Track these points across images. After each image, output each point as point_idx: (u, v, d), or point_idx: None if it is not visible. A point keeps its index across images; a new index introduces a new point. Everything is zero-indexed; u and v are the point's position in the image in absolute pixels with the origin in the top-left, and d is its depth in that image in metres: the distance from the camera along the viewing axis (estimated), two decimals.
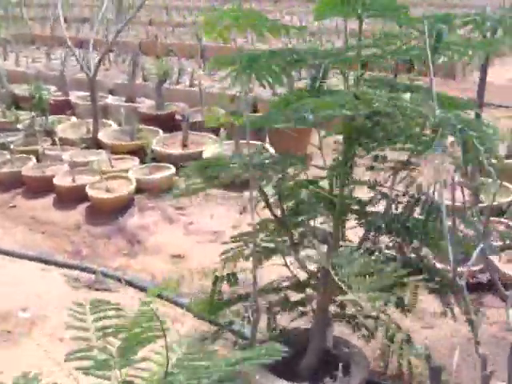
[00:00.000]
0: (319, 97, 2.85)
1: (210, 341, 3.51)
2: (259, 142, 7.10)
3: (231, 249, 3.75)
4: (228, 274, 3.63)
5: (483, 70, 4.98)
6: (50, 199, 6.78)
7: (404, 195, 3.06)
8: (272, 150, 6.84)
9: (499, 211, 5.41)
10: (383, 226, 3.05)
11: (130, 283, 5.41)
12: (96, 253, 5.96)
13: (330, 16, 2.89)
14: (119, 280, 5.43)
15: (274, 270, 3.91)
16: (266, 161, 3.37)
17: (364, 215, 3.17)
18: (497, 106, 8.86)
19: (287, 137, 7.19)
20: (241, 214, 6.40)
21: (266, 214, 3.70)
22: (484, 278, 4.54)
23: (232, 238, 3.67)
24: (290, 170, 3.37)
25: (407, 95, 2.59)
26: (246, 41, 11.69)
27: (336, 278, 2.76)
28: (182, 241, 6.04)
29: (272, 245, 3.72)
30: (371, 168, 3.10)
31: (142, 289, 5.33)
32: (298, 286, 3.51)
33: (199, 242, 6.00)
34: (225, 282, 3.65)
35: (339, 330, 3.85)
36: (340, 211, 3.17)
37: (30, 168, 7.06)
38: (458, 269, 2.45)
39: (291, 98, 3.10)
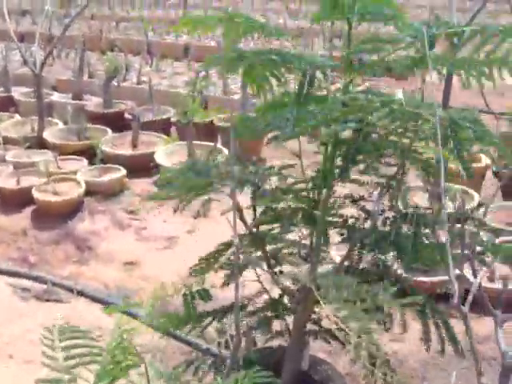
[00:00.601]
0: (304, 104, 2.64)
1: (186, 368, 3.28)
2: (211, 143, 6.90)
3: (201, 263, 3.51)
4: (198, 290, 3.40)
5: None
6: None
7: (390, 210, 2.88)
8: (225, 152, 6.65)
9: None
10: (369, 242, 2.87)
11: (81, 293, 5.15)
12: (44, 260, 5.66)
13: (329, 19, 2.71)
14: (71, 290, 5.15)
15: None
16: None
17: (349, 231, 2.99)
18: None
19: (240, 139, 7.04)
20: (195, 218, 6.13)
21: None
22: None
23: (201, 258, 3.44)
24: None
25: (399, 96, 2.41)
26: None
27: (322, 302, 2.58)
28: (135, 247, 5.78)
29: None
30: (355, 182, 2.92)
31: (94, 299, 5.08)
32: (272, 304, 3.30)
33: (153, 249, 5.76)
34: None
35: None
36: (322, 226, 2.98)
37: None
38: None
39: (276, 103, 2.89)
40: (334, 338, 3.48)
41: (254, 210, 3.25)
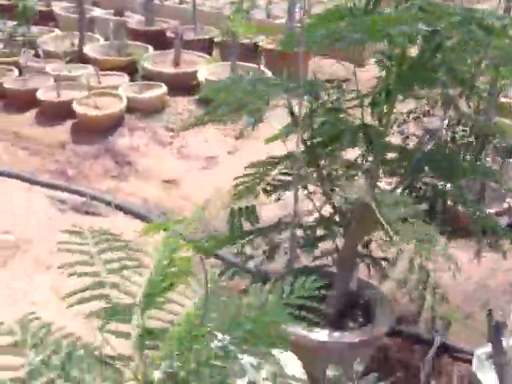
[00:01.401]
0: (371, 12, 2.50)
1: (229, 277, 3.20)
2: (254, 65, 6.76)
3: (245, 181, 3.41)
4: (247, 207, 3.31)
5: None
6: (32, 114, 6.35)
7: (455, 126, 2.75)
8: (269, 73, 6.50)
9: None
10: (426, 164, 2.75)
11: (120, 208, 5.08)
12: (82, 174, 5.60)
13: None
14: (109, 204, 5.09)
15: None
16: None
17: (405, 152, 2.86)
18: None
19: (284, 60, 6.86)
20: (237, 139, 6.06)
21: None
22: (504, 221, 4.28)
23: (248, 166, 3.32)
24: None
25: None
26: None
27: (381, 219, 2.48)
28: (175, 165, 5.70)
29: (288, 178, 3.41)
30: (418, 97, 2.78)
31: (133, 214, 5.01)
32: (323, 222, 3.20)
33: (192, 168, 5.67)
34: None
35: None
36: (379, 145, 2.85)
37: (11, 80, 6.61)
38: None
39: (330, 16, 2.74)
40: (378, 265, 3.40)
41: (311, 125, 3.13)
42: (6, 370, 2.19)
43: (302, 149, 3.14)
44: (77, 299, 2.41)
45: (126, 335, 2.24)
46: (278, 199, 3.37)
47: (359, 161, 3.20)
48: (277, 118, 3.50)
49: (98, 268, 2.49)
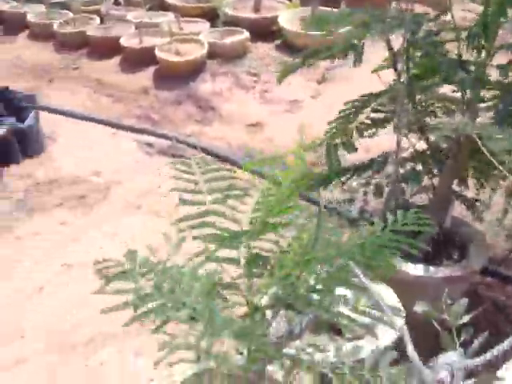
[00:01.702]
0: None
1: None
2: (335, 9, 6.65)
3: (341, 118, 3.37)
4: (343, 142, 3.28)
5: None
6: (115, 61, 6.41)
7: None
8: None
9: None
10: None
11: (206, 151, 5.11)
12: (166, 118, 5.64)
13: None
14: (194, 147, 5.12)
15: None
16: None
17: (504, 86, 2.79)
18: None
19: (364, 2, 6.75)
20: (319, 83, 6.01)
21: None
22: None
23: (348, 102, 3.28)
24: None
25: None
26: None
27: (485, 150, 2.43)
28: (259, 109, 5.69)
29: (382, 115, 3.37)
30: None
31: (219, 156, 5.03)
32: (419, 156, 3.16)
33: (276, 112, 5.65)
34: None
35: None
36: (477, 79, 2.79)
37: (94, 28, 6.68)
38: None
39: None
40: (472, 205, 3.35)
41: (408, 58, 3.07)
42: (118, 294, 2.24)
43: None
44: (187, 225, 2.44)
45: (235, 261, 2.26)
46: (369, 136, 3.32)
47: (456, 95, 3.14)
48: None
49: (204, 197, 2.51)
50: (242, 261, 2.24)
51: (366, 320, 2.35)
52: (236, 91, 5.88)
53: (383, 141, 3.44)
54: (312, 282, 2.19)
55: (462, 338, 2.28)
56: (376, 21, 3.01)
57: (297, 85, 5.93)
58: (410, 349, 1.59)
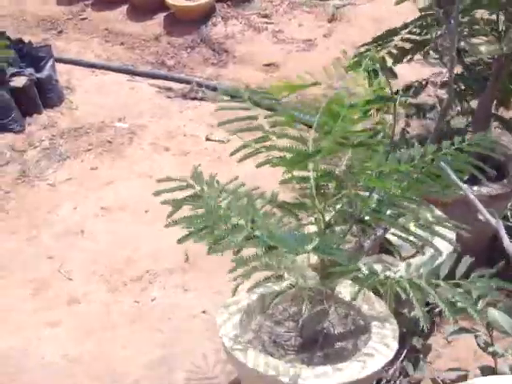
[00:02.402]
0: None
1: None
2: None
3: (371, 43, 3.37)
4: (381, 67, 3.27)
5: None
6: (123, 10, 6.36)
7: None
8: None
9: None
10: None
11: (225, 92, 5.10)
12: (181, 63, 5.64)
13: None
14: (214, 89, 5.13)
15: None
16: None
17: None
18: None
19: None
20: (330, 22, 6.00)
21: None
22: None
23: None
24: None
25: None
26: None
27: None
28: (273, 49, 5.69)
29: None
30: None
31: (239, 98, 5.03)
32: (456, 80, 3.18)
33: (291, 51, 5.66)
34: None
35: None
36: None
37: None
38: None
39: None
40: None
41: None
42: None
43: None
44: (243, 155, 2.47)
45: (305, 179, 2.30)
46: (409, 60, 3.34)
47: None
48: None
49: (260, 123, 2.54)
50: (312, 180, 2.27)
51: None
52: (248, 33, 5.87)
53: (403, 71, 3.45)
54: (382, 198, 2.23)
55: None
56: None
57: (308, 25, 5.94)
58: (506, 242, 1.64)
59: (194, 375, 2.89)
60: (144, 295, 3.38)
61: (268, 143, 2.46)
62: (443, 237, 2.43)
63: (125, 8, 6.35)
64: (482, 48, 3.05)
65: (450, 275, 2.26)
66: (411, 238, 2.26)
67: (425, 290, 2.11)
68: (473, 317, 2.23)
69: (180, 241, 2.24)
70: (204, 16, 6.00)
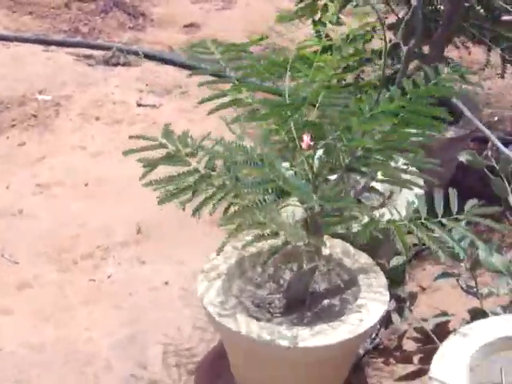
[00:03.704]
0: None
1: None
2: None
3: None
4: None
5: None
6: None
7: None
8: None
9: None
10: None
11: (148, 56, 4.92)
12: (97, 29, 5.38)
13: None
14: (136, 53, 4.92)
15: None
16: None
17: None
18: None
19: None
20: None
21: None
22: None
23: None
24: None
25: None
26: None
27: None
28: (191, 9, 5.52)
29: None
30: None
31: (165, 60, 4.86)
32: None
33: (210, 10, 5.50)
34: None
35: None
36: None
37: None
38: None
39: None
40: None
41: None
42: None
43: None
44: (216, 106, 2.33)
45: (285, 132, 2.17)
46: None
47: None
48: None
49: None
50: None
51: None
52: None
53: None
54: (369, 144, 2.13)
55: None
56: None
57: None
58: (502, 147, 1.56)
59: (170, 348, 2.74)
60: (99, 272, 3.19)
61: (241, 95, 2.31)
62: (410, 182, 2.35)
63: None
64: None
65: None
66: (401, 182, 2.17)
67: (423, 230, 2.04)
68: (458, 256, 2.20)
69: (161, 202, 2.08)
70: None
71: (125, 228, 3.38)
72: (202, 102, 2.31)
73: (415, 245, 2.44)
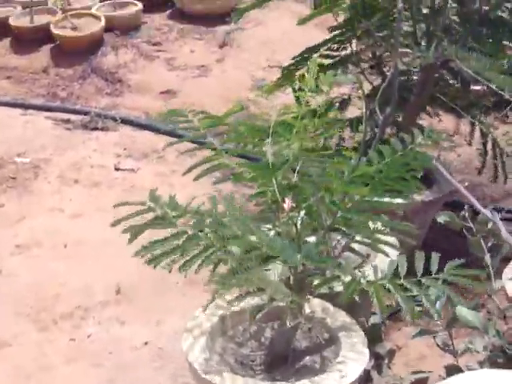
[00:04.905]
0: None
1: None
2: None
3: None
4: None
5: None
6: (5, 43, 6.10)
7: None
8: None
9: None
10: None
11: (126, 121, 5.03)
12: (75, 94, 5.48)
13: None
14: (114, 119, 5.02)
15: None
16: None
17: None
18: None
19: None
20: (221, 47, 6.02)
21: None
22: None
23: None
24: None
25: None
26: None
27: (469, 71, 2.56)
28: (168, 76, 5.64)
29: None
30: None
31: (141, 125, 4.97)
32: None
33: (187, 77, 5.62)
34: None
35: None
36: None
37: None
38: None
39: None
40: None
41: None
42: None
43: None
44: (201, 171, 2.41)
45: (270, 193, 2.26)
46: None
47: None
48: None
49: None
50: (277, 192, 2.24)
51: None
52: (140, 61, 5.79)
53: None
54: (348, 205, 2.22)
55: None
56: None
57: (200, 51, 5.95)
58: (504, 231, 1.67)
59: None
60: (79, 332, 3.22)
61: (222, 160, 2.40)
62: (387, 243, 2.44)
63: (7, 41, 6.11)
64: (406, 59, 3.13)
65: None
66: (379, 244, 2.26)
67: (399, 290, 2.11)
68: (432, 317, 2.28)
69: (150, 263, 2.13)
70: (92, 46, 5.87)
71: (104, 288, 3.43)
72: (189, 170, 2.39)
73: (390, 306, 2.51)
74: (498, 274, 2.47)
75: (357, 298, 2.17)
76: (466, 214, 2.38)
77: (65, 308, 3.34)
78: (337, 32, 3.39)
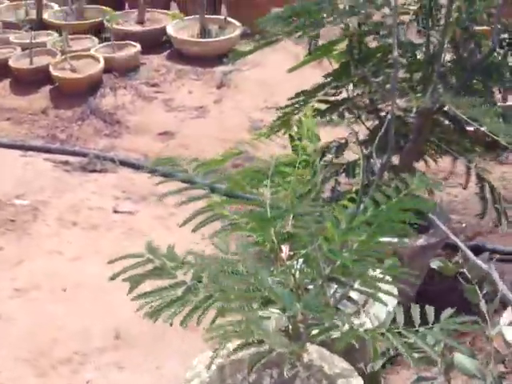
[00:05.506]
0: None
1: None
2: (220, 16, 6.82)
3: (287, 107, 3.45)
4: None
5: None
6: (4, 85, 6.16)
7: None
8: (237, 23, 6.55)
9: None
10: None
11: (125, 163, 5.06)
12: (74, 136, 5.52)
13: None
14: (112, 160, 5.05)
15: None
16: None
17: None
18: None
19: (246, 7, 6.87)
20: (218, 88, 6.07)
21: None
22: None
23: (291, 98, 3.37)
24: None
25: None
26: None
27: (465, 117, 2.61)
28: (166, 118, 5.68)
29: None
30: None
31: (140, 167, 5.00)
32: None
33: (185, 118, 5.67)
34: None
35: None
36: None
37: None
38: None
39: None
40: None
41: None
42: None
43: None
44: (200, 222, 2.44)
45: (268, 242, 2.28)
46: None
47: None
48: None
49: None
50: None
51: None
52: (139, 102, 5.83)
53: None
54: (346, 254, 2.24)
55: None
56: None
57: (198, 91, 5.99)
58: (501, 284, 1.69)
59: None
60: (77, 377, 3.23)
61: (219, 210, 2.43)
62: (386, 292, 2.45)
63: (7, 82, 6.16)
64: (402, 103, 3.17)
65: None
66: (379, 293, 2.27)
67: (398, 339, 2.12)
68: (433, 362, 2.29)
69: (150, 315, 2.15)
70: (91, 87, 5.92)
71: (103, 333, 3.43)
72: (185, 223, 2.41)
73: (388, 350, 2.53)
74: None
75: (355, 344, 2.18)
76: (460, 260, 2.39)
77: (63, 353, 3.35)
78: (332, 77, 3.42)
